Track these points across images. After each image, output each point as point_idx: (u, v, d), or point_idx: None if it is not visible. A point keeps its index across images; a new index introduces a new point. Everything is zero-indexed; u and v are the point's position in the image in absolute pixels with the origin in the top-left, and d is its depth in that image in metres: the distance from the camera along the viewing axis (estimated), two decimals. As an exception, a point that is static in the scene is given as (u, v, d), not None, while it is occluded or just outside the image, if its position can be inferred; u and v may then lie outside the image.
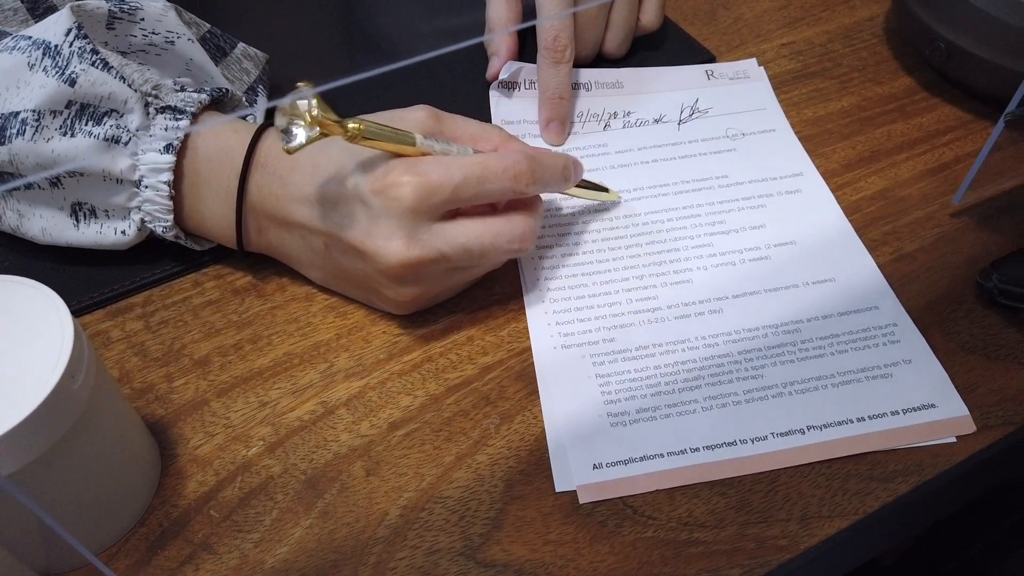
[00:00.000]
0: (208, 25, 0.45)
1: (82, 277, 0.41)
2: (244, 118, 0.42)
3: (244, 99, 0.43)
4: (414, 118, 0.37)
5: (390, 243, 0.35)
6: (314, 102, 0.31)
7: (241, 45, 0.46)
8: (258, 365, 0.39)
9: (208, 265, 0.43)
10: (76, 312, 0.40)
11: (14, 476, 0.27)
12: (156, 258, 0.42)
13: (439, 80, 0.52)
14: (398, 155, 0.35)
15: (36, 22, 0.40)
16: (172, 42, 0.41)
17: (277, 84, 0.49)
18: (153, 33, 0.40)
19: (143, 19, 0.40)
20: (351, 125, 0.32)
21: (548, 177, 0.39)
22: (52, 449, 0.28)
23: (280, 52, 0.54)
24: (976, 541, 0.64)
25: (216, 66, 0.43)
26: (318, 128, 0.31)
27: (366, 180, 0.35)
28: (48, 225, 0.39)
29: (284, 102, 0.31)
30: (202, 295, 0.42)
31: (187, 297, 0.41)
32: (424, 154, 0.36)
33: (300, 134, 0.31)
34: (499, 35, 0.50)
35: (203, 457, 0.36)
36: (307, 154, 0.34)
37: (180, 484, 0.35)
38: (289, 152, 0.32)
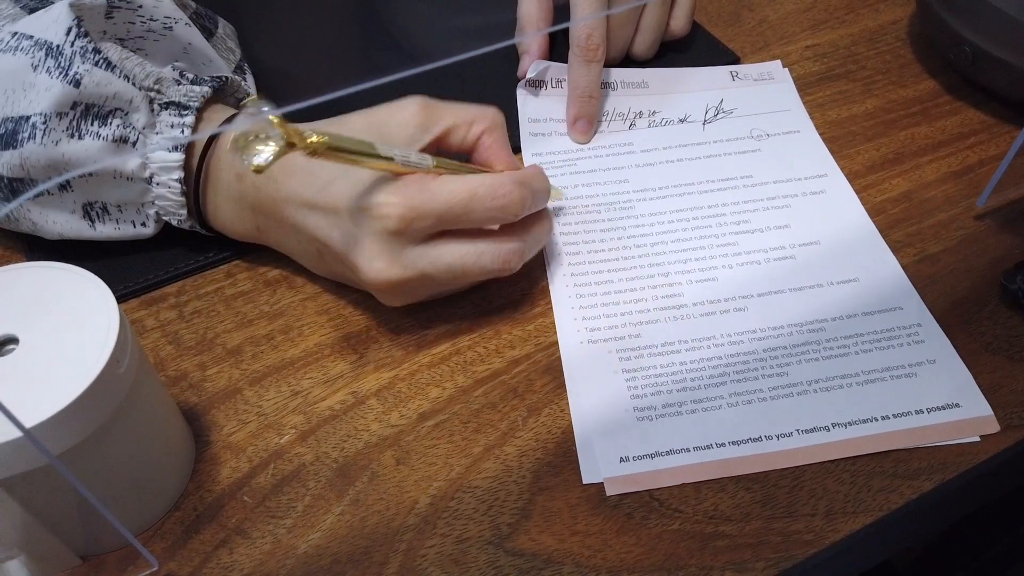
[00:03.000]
0: (194, 5, 0.45)
1: (118, 266, 0.42)
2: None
3: (243, 83, 0.43)
4: (404, 116, 0.37)
5: (373, 263, 0.35)
6: (275, 119, 0.28)
7: (221, 22, 0.46)
8: (290, 355, 0.39)
9: (241, 256, 0.43)
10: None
11: (60, 457, 0.28)
12: (189, 249, 0.43)
13: (465, 79, 0.52)
14: (384, 169, 0.35)
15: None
16: (170, 27, 0.41)
17: (299, 86, 0.49)
18: (151, 19, 0.40)
19: (140, 6, 0.40)
20: (312, 139, 0.30)
21: (536, 203, 0.39)
22: (96, 432, 0.29)
23: (301, 52, 0.54)
24: (990, 546, 0.64)
25: None
26: (284, 142, 0.29)
27: (355, 196, 0.35)
28: (64, 229, 0.40)
29: (250, 124, 0.29)
30: (234, 286, 0.42)
31: (220, 288, 0.42)
32: (404, 169, 0.35)
33: (266, 151, 0.29)
34: (530, 35, 0.50)
35: (236, 444, 0.37)
36: (301, 158, 0.31)
37: (214, 470, 0.36)
38: (259, 171, 0.29)
